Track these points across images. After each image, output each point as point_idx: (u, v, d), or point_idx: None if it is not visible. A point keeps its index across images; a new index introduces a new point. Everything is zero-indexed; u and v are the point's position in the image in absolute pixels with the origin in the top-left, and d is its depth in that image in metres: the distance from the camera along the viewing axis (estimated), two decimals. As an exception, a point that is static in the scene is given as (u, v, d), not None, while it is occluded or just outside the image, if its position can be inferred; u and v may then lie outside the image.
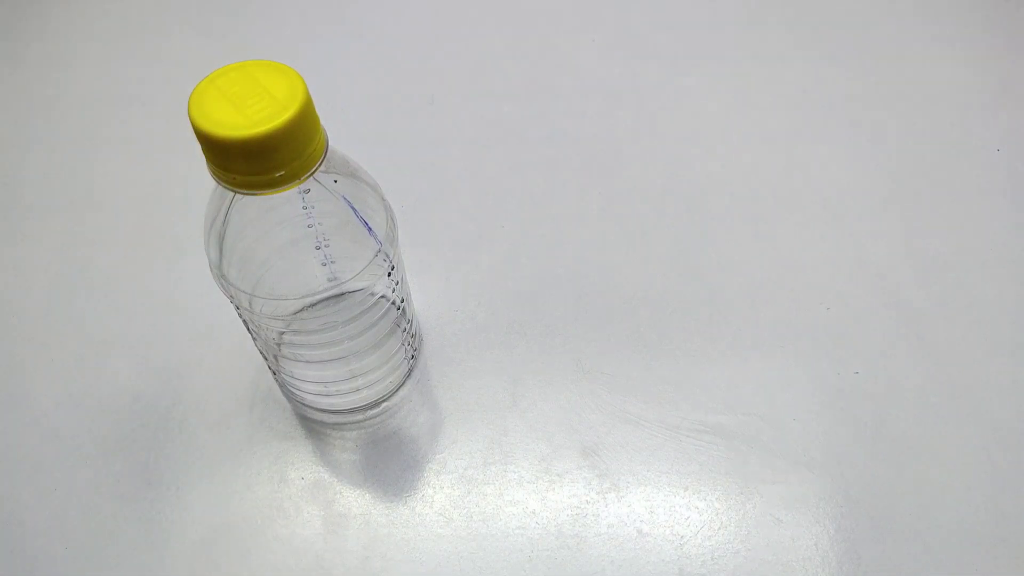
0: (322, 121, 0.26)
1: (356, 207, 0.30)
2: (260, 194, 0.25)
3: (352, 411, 0.38)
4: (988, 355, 0.39)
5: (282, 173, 0.25)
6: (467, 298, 0.42)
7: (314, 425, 0.38)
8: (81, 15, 0.58)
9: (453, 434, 0.37)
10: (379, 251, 0.31)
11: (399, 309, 0.35)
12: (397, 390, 0.38)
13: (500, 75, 0.53)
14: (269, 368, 0.37)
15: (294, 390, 0.37)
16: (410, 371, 0.39)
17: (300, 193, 0.28)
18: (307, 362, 0.34)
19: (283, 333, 0.34)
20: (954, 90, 0.51)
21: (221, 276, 0.30)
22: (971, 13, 0.56)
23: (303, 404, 0.38)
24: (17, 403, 0.39)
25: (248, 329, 0.34)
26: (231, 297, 0.30)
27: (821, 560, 0.33)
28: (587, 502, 0.35)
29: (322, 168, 0.26)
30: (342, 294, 0.32)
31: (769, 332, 0.40)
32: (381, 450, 0.37)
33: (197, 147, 0.25)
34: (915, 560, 0.33)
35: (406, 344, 0.37)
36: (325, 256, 0.31)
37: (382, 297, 0.33)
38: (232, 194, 0.26)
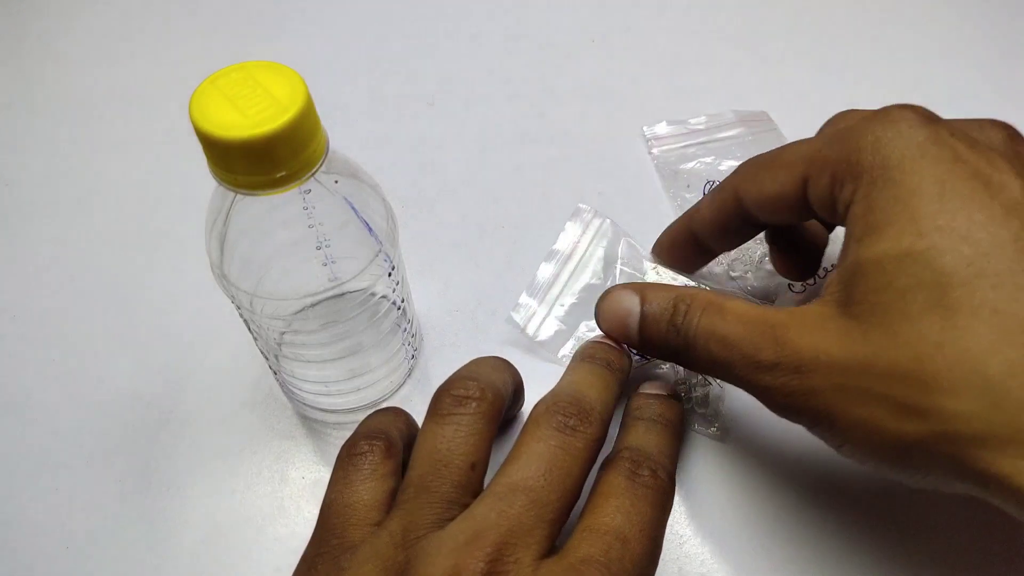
0: (323, 122, 0.27)
1: (357, 207, 0.30)
2: (261, 194, 0.26)
3: (353, 411, 0.38)
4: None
5: (283, 173, 0.25)
6: (467, 298, 0.42)
7: (315, 424, 0.38)
8: (82, 15, 0.58)
9: (453, 434, 0.37)
10: (380, 251, 0.31)
11: (399, 309, 0.35)
12: (397, 390, 0.38)
13: (500, 75, 0.54)
14: (270, 368, 0.37)
15: (295, 390, 0.37)
16: (410, 371, 0.39)
17: (301, 193, 0.28)
18: (308, 362, 0.34)
19: (284, 333, 0.34)
20: (953, 90, 0.51)
21: (222, 276, 0.30)
22: (971, 14, 0.56)
23: (304, 404, 0.38)
24: (17, 403, 0.39)
25: (249, 329, 0.34)
26: (232, 297, 0.31)
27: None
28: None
29: (323, 168, 0.26)
30: (343, 294, 0.32)
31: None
32: (381, 450, 0.37)
33: (198, 147, 0.25)
34: (915, 560, 0.33)
35: (406, 344, 0.37)
36: (326, 256, 0.31)
37: (383, 297, 0.34)
38: (233, 194, 0.27)
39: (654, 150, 0.48)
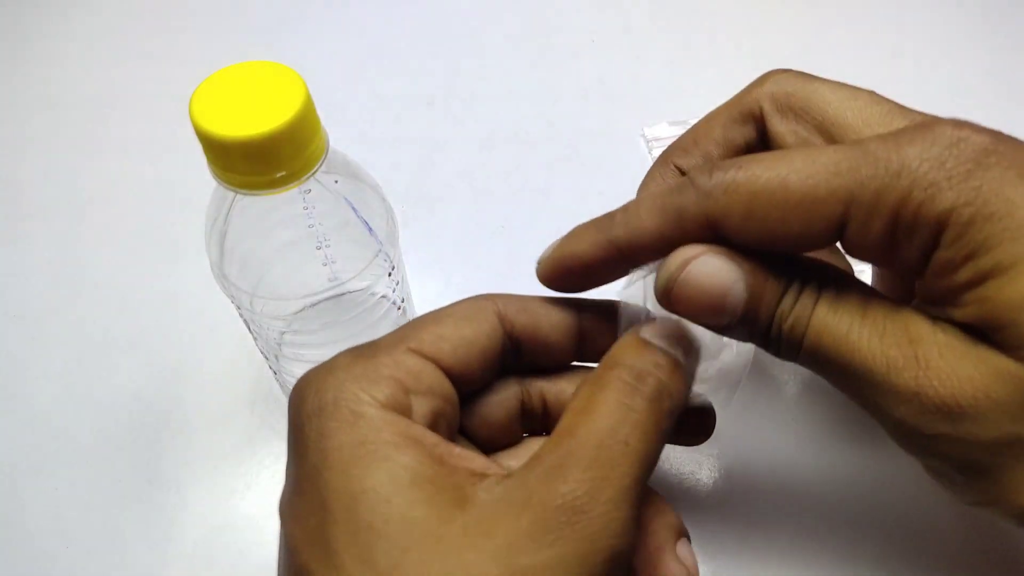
0: (323, 122, 0.27)
1: (356, 207, 0.30)
2: (261, 194, 0.26)
3: (352, 411, 0.38)
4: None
5: (283, 173, 0.25)
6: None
7: (314, 425, 0.38)
8: (82, 15, 0.58)
9: (453, 434, 0.37)
10: (379, 251, 0.31)
11: (399, 309, 0.35)
12: (397, 390, 0.38)
13: (500, 75, 0.54)
14: (270, 368, 0.37)
15: (294, 390, 0.37)
16: (410, 371, 0.39)
17: (301, 193, 0.28)
18: (308, 362, 0.34)
19: (284, 333, 0.34)
20: (953, 90, 0.51)
21: (222, 276, 0.30)
22: (971, 13, 0.56)
23: (303, 404, 0.38)
24: (17, 403, 0.39)
25: (249, 329, 0.34)
26: (232, 297, 0.31)
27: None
28: (587, 502, 0.35)
29: (323, 168, 0.26)
30: (343, 294, 0.32)
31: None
32: (381, 450, 0.37)
33: (198, 147, 0.25)
34: (913, 562, 0.33)
35: (406, 344, 0.37)
36: (326, 256, 0.31)
37: (383, 297, 0.34)
38: (233, 194, 0.27)
39: (654, 150, 0.48)
